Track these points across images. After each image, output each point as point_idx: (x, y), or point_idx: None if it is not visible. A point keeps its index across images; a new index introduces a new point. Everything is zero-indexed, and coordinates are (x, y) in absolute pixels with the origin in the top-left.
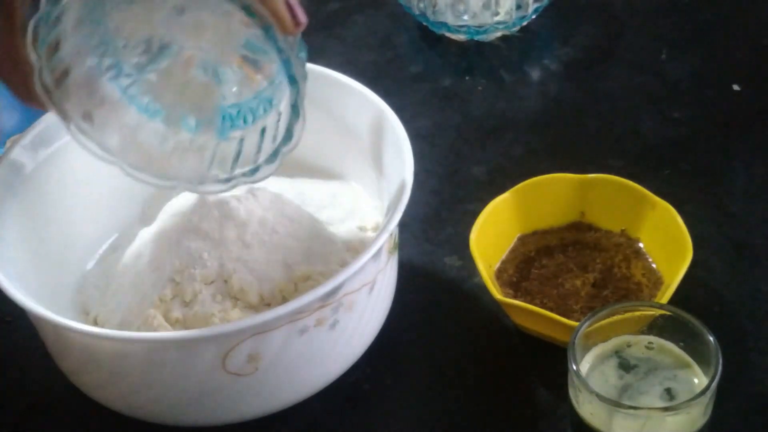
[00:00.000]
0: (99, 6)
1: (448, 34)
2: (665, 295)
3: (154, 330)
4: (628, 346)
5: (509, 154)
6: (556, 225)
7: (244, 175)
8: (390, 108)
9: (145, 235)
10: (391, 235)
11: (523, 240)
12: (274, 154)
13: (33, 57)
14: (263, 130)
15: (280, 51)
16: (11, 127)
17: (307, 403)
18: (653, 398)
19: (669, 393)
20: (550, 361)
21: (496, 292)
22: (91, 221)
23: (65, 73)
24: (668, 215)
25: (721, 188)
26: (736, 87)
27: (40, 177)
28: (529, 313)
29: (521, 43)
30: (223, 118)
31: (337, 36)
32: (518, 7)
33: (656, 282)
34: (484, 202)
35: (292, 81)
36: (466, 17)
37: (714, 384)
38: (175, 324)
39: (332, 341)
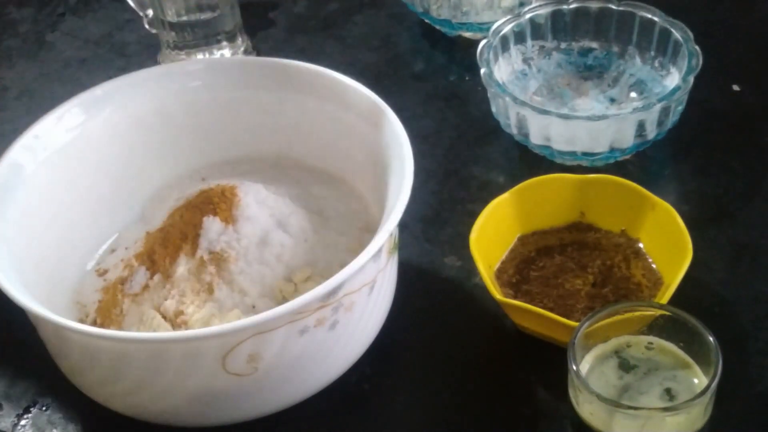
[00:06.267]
0: None
1: (450, 32)
2: (665, 296)
3: (154, 330)
4: (628, 346)
5: (509, 154)
6: (556, 225)
7: None
8: (390, 108)
9: (146, 235)
10: (391, 235)
11: (523, 240)
12: None
13: None
14: None
15: None
16: None
17: (307, 404)
18: (653, 398)
19: (669, 393)
20: (550, 361)
21: (496, 293)
22: (91, 222)
23: None
24: (668, 215)
25: (721, 188)
26: (736, 87)
27: (40, 177)
28: (529, 313)
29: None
30: None
31: (337, 36)
32: (521, 3)
33: (656, 282)
34: (484, 202)
35: None
36: (468, 14)
37: (714, 384)
38: (174, 324)
39: (332, 341)
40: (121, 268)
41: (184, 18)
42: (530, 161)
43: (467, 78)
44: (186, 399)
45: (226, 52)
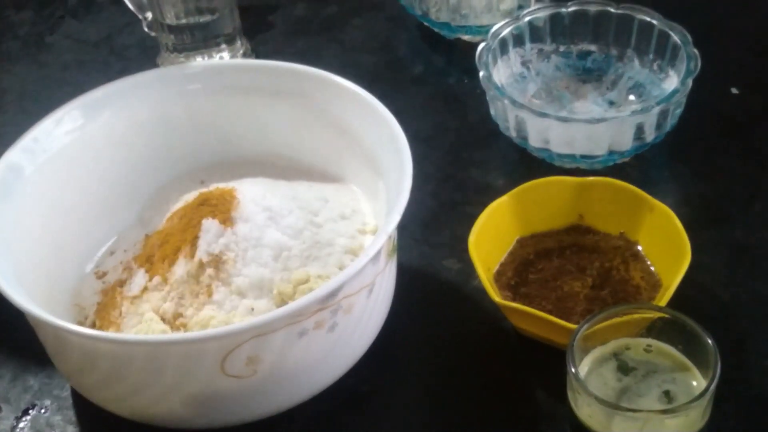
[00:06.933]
0: None
1: (449, 35)
2: (664, 298)
3: (153, 333)
4: (627, 348)
5: (508, 157)
6: (555, 228)
7: None
8: (389, 111)
9: (145, 238)
10: (389, 237)
11: (521, 243)
12: None
13: None
14: None
15: None
16: None
17: (306, 406)
18: (652, 401)
19: (667, 395)
20: (549, 363)
21: (495, 295)
22: (90, 224)
23: None
24: (667, 218)
25: (719, 191)
26: (734, 90)
27: (39, 179)
28: (528, 315)
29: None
30: None
31: (335, 39)
32: (520, 6)
33: (655, 285)
34: (483, 205)
35: None
36: (467, 17)
37: (712, 386)
38: (173, 326)
39: (331, 344)
40: (120, 271)
41: (183, 21)
42: (529, 164)
43: (466, 81)
44: (185, 401)
45: (225, 55)
